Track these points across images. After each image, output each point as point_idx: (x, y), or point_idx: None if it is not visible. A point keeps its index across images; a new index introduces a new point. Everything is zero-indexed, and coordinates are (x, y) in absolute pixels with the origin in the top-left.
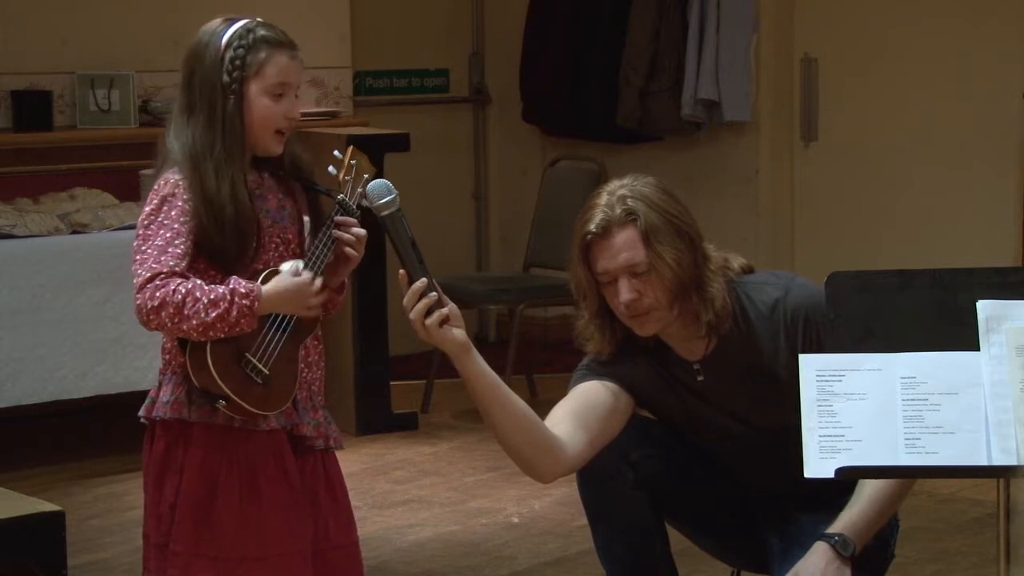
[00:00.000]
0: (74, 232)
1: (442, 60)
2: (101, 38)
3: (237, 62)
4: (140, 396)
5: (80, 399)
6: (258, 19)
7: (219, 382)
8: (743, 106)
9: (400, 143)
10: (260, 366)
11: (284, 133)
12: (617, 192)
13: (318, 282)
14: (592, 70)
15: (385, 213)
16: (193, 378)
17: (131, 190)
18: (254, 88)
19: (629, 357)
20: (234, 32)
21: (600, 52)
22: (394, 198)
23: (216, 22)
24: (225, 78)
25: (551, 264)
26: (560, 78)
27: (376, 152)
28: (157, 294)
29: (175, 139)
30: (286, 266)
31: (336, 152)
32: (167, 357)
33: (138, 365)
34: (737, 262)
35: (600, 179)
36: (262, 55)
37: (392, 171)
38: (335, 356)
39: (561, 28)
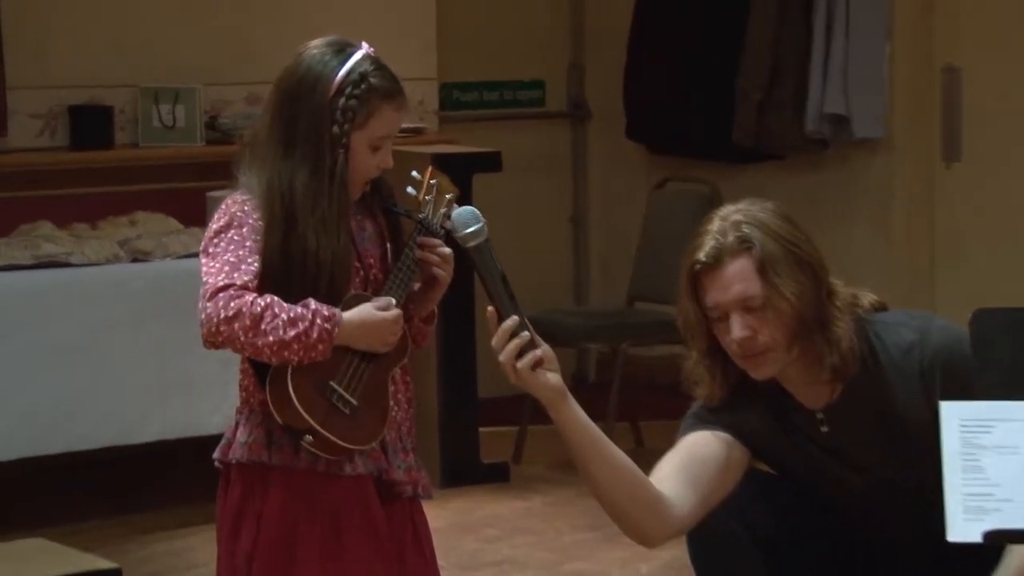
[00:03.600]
0: (135, 260)
1: (537, 71)
2: (166, 49)
3: (349, 113)
4: (206, 441)
5: (140, 444)
6: (367, 51)
7: (304, 414)
8: (875, 122)
9: (490, 162)
10: (347, 396)
11: (370, 181)
12: (731, 217)
13: (399, 313)
14: (705, 82)
15: (472, 244)
16: (276, 414)
17: (197, 214)
18: (357, 139)
19: (743, 403)
20: (348, 75)
21: (713, 61)
22: (482, 227)
23: (323, 48)
24: (335, 129)
25: (657, 298)
26: (668, 91)
27: (464, 172)
28: (232, 304)
29: (261, 170)
30: (379, 302)
31: (414, 172)
32: (244, 394)
33: (204, 407)
34: (867, 299)
35: (712, 203)
36: (373, 107)
37: (481, 194)
38: (418, 399)
39: (670, 35)
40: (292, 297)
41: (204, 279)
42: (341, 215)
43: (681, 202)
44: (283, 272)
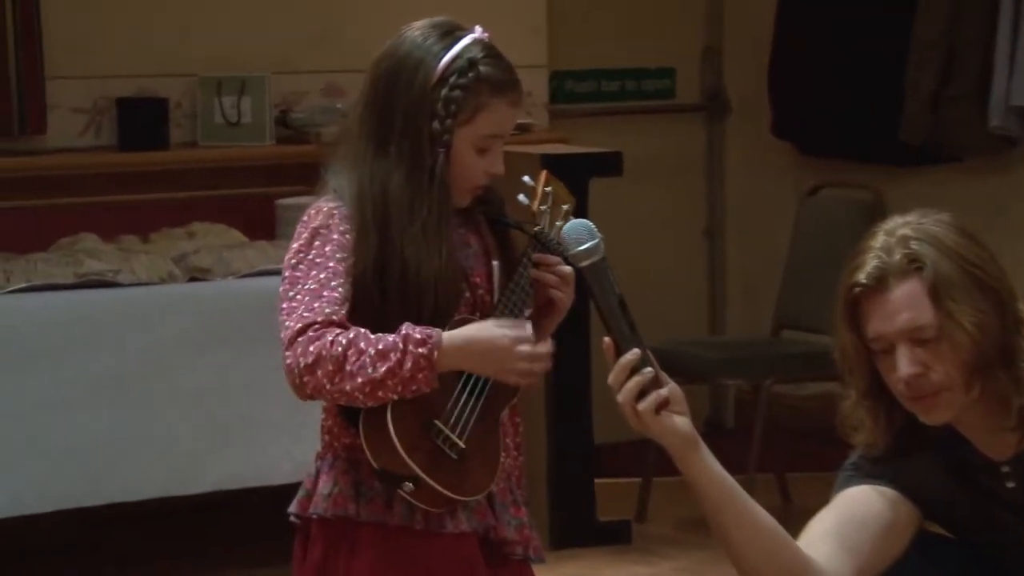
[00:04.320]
0: (192, 280)
1: (666, 57)
2: (229, 32)
3: (452, 106)
4: (275, 492)
5: (197, 495)
6: (477, 35)
7: (407, 458)
8: None
9: (609, 165)
10: (454, 437)
11: (479, 189)
12: (898, 232)
13: (529, 327)
14: (867, 70)
15: (586, 263)
16: (371, 458)
17: (265, 226)
18: (462, 137)
19: (911, 453)
20: (454, 61)
21: (878, 46)
22: (597, 243)
23: (427, 29)
24: (436, 125)
25: (808, 326)
26: (823, 80)
27: (578, 177)
28: (311, 348)
29: (352, 171)
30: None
31: (526, 178)
32: (327, 438)
33: (273, 451)
34: None
35: (875, 214)
36: (481, 99)
37: (598, 203)
38: (524, 445)
39: (826, 16)
40: (391, 324)
41: (284, 319)
42: (442, 225)
43: (838, 212)
44: (379, 294)
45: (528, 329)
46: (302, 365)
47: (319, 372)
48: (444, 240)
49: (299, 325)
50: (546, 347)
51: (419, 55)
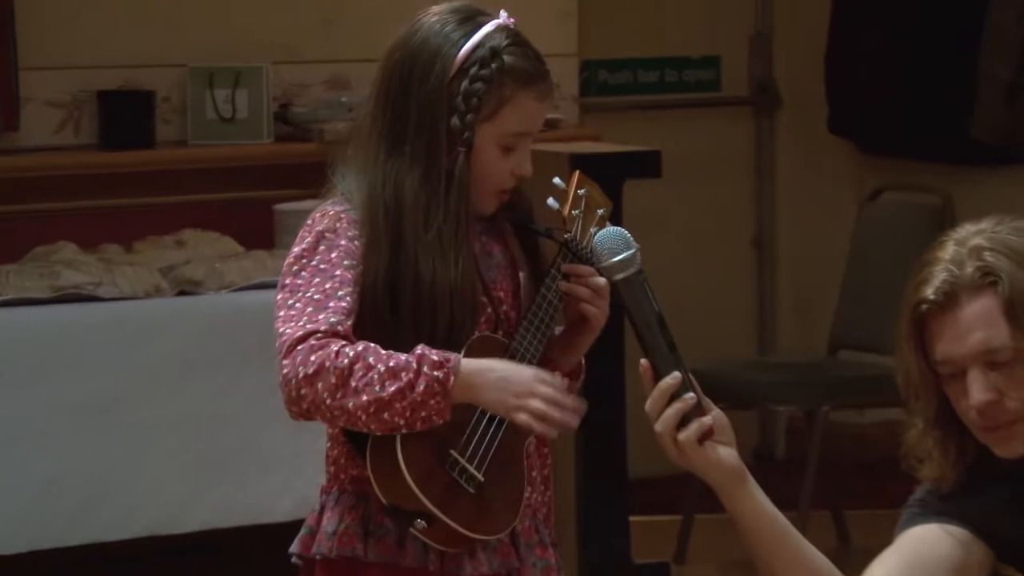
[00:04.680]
0: (182, 294)
1: (710, 44)
2: (223, 17)
3: (474, 100)
4: (273, 531)
5: (188, 534)
6: (501, 21)
7: (418, 492)
8: None
9: (646, 165)
10: (472, 469)
11: (506, 193)
12: (970, 242)
13: (558, 378)
14: (935, 59)
15: (620, 276)
16: (378, 491)
17: (263, 233)
18: (485, 135)
19: (984, 489)
20: (475, 50)
21: (947, 34)
22: (634, 254)
23: (445, 15)
24: (455, 121)
25: (868, 346)
26: (886, 71)
27: (612, 179)
28: (312, 358)
29: (362, 173)
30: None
31: (556, 180)
32: (332, 469)
33: (272, 485)
34: None
35: (944, 220)
36: (506, 93)
37: (634, 208)
38: (552, 479)
39: (888, 1)
40: (402, 340)
41: (280, 327)
42: (460, 233)
43: (902, 219)
44: (390, 307)
45: (558, 377)
46: (301, 375)
47: (319, 384)
48: (462, 248)
49: (300, 333)
50: (574, 401)
51: (436, 43)
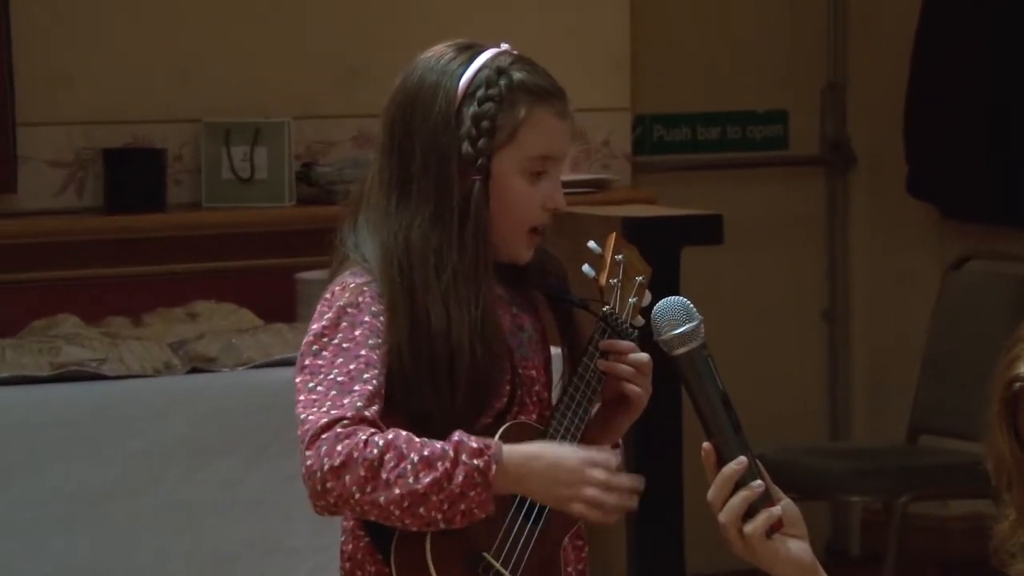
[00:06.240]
0: (194, 371)
1: (777, 97)
2: (240, 67)
3: (485, 123)
4: None
5: None
6: (506, 46)
7: None
8: None
9: (707, 231)
10: (506, 574)
11: (540, 231)
12: None
13: (609, 455)
14: None
15: (681, 351)
16: None
17: (283, 305)
18: (505, 162)
19: None
20: (479, 71)
21: None
22: (696, 327)
23: (442, 49)
24: (467, 148)
25: (953, 430)
26: (972, 127)
27: (669, 245)
28: (339, 448)
29: (371, 234)
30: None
31: (591, 244)
32: (348, 565)
33: None
34: None
35: None
36: (521, 112)
37: (693, 277)
38: (598, 574)
39: (976, 47)
40: (423, 401)
41: (302, 412)
42: (480, 271)
43: (989, 289)
44: (413, 374)
45: (610, 455)
46: (326, 467)
47: (347, 477)
48: (482, 286)
49: (324, 420)
50: (629, 479)
51: (435, 78)
